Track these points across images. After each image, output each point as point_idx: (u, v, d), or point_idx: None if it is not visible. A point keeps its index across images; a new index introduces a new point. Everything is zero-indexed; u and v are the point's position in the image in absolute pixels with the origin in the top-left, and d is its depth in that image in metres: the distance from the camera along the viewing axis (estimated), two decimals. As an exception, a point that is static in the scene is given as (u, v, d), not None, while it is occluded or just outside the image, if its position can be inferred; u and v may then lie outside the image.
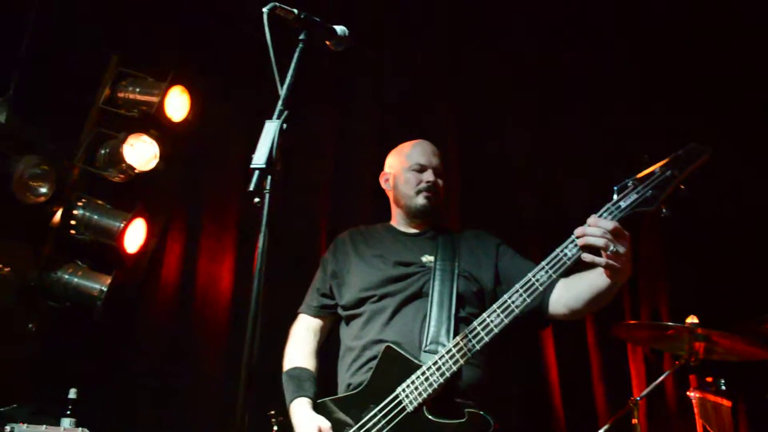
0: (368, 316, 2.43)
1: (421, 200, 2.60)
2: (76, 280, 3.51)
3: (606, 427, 3.04)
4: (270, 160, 1.45)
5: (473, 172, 4.19)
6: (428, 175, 2.61)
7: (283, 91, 1.62)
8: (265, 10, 1.74)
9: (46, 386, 3.31)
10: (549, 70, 4.40)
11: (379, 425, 2.19)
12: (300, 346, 2.58)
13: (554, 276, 2.06)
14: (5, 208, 3.25)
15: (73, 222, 3.57)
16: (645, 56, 4.33)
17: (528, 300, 2.09)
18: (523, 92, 4.41)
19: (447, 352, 2.16)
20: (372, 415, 2.22)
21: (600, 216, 1.98)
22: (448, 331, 2.28)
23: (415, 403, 2.15)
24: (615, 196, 2.00)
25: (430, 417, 2.14)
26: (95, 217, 3.59)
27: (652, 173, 1.99)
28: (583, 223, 1.96)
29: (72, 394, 3.02)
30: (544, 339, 3.84)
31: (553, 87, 4.40)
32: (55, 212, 3.51)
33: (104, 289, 3.46)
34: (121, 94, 3.77)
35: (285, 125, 1.52)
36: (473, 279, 2.46)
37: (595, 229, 1.92)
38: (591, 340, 3.89)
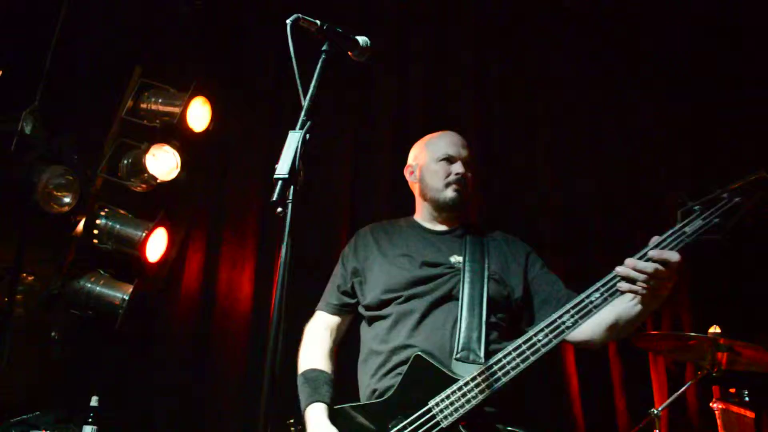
0: (395, 319, 2.29)
1: (450, 193, 2.45)
2: (98, 288, 3.55)
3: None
4: (293, 170, 1.46)
5: (495, 187, 4.16)
6: (458, 167, 2.47)
7: (306, 102, 1.63)
8: (288, 21, 1.76)
9: (68, 394, 3.34)
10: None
11: None
12: (317, 347, 2.43)
13: (580, 322, 2.02)
14: (30, 218, 3.30)
15: (95, 231, 3.62)
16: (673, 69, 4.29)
17: (554, 341, 2.04)
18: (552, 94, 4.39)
19: (488, 369, 2.05)
20: (401, 426, 2.09)
21: (664, 241, 1.90)
22: (479, 337, 2.17)
23: (451, 419, 2.04)
24: (678, 221, 1.90)
25: None
26: (117, 226, 3.64)
27: (720, 199, 1.88)
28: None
29: (94, 401, 3.05)
30: (564, 349, 3.81)
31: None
32: (78, 222, 3.55)
33: (126, 297, 3.49)
34: (143, 105, 3.83)
35: (308, 135, 1.53)
36: (503, 282, 2.34)
37: (637, 274, 1.87)
38: (612, 350, 3.85)
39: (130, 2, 3.76)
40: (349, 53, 1.91)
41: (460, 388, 2.06)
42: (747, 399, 3.38)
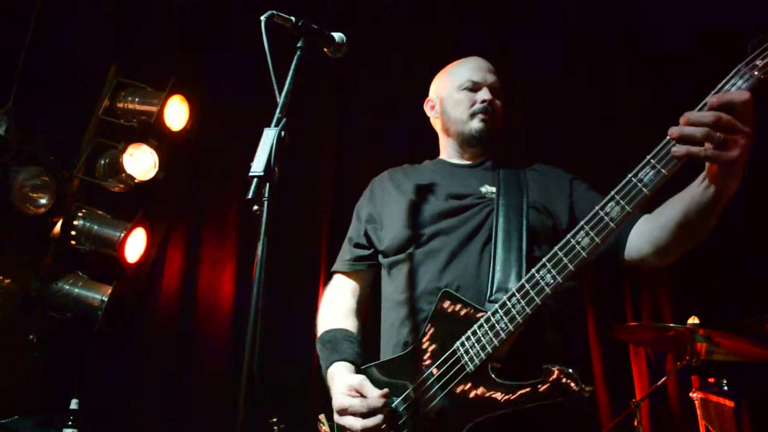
0: (419, 261, 1.97)
1: (476, 124, 2.15)
2: (76, 290, 3.52)
3: (609, 429, 3.04)
4: (268, 167, 1.45)
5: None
6: (484, 94, 2.16)
7: (281, 99, 1.62)
8: (262, 18, 1.75)
9: (48, 397, 3.31)
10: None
11: (433, 390, 1.75)
12: (335, 307, 2.14)
13: (628, 208, 1.56)
14: (6, 220, 3.26)
15: (73, 232, 3.59)
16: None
17: (597, 240, 1.59)
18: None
19: (519, 290, 1.68)
20: (425, 377, 1.77)
21: (729, 81, 1.46)
22: (519, 275, 1.81)
23: (477, 361, 1.69)
24: (750, 54, 1.46)
25: (496, 378, 1.66)
26: (95, 227, 3.61)
27: None
28: None
29: (73, 404, 3.02)
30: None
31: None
32: (55, 223, 3.52)
33: (105, 299, 3.47)
34: (120, 104, 3.80)
35: (283, 133, 1.52)
36: (546, 211, 2.00)
37: (695, 129, 1.42)
38: (593, 342, 3.88)
39: (105, 0, 3.73)
40: (325, 49, 1.89)
41: (487, 320, 1.71)
42: (726, 388, 3.42)
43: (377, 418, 1.75)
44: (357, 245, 2.20)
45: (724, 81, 1.47)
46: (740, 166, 1.47)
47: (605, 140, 4.08)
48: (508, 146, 4.11)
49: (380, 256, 2.13)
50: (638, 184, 1.54)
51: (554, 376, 1.59)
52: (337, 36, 1.89)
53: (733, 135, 1.41)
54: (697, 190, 1.57)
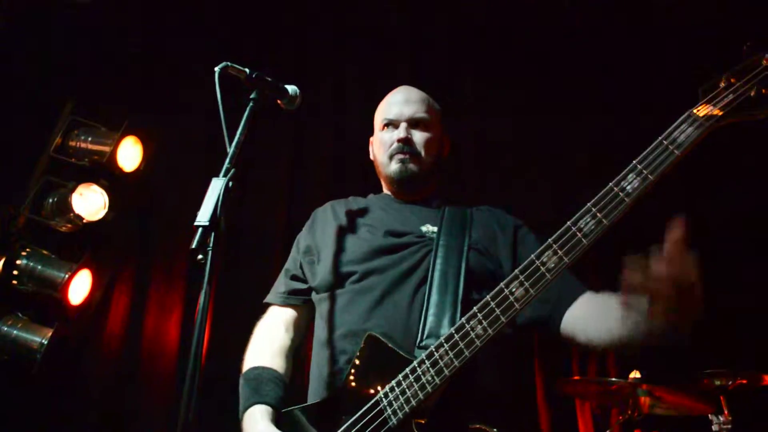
0: (349, 299, 1.87)
1: (394, 166, 2.06)
2: (15, 332, 3.39)
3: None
4: (214, 217, 1.46)
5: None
6: (399, 132, 2.06)
7: (231, 149, 1.64)
8: (216, 69, 1.78)
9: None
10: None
11: None
12: (264, 343, 2.00)
13: (565, 259, 1.50)
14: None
15: (15, 272, 3.48)
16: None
17: (532, 292, 1.52)
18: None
19: (448, 341, 1.58)
20: (346, 427, 1.66)
21: (679, 127, 1.44)
22: (452, 320, 1.70)
23: (400, 414, 1.59)
24: (700, 99, 1.47)
25: None
26: (39, 267, 3.51)
27: (754, 65, 1.42)
28: None
29: (7, 452, 2.90)
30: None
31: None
32: (-4, 261, 3.42)
33: (44, 342, 3.35)
34: (72, 143, 3.74)
35: (231, 183, 1.53)
36: (488, 254, 1.91)
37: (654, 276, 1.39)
38: (540, 397, 3.91)
39: (63, 38, 3.71)
40: (278, 101, 1.93)
41: (413, 371, 1.60)
42: (668, 443, 3.48)
43: None
44: (293, 277, 2.09)
45: (673, 126, 1.47)
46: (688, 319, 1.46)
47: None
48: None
49: (313, 293, 2.04)
50: (577, 233, 1.49)
51: None
52: (291, 89, 1.93)
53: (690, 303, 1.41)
54: (641, 322, 1.50)
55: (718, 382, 3.32)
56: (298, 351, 2.08)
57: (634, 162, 1.48)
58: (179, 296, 3.85)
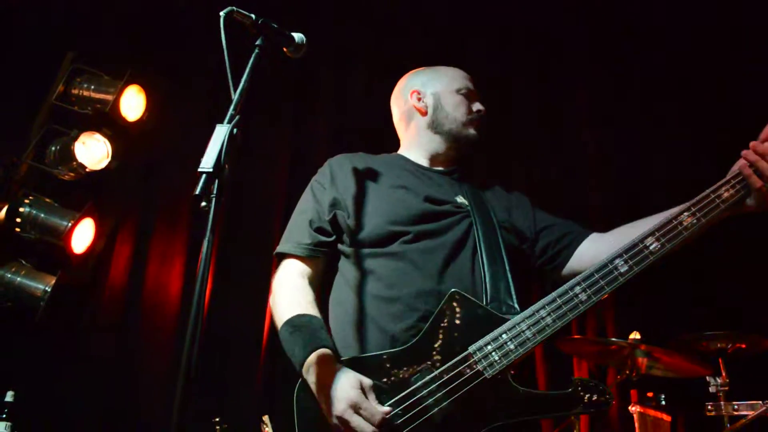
0: (415, 259, 1.89)
1: (473, 131, 2.16)
2: (18, 279, 3.42)
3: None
4: (218, 164, 1.44)
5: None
6: (480, 105, 2.20)
7: (235, 96, 1.61)
8: (222, 13, 1.74)
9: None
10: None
11: (439, 394, 1.68)
12: (297, 294, 1.94)
13: (703, 221, 1.75)
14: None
15: (18, 219, 3.48)
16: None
17: (669, 246, 1.74)
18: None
19: (550, 304, 1.72)
20: (428, 380, 1.70)
21: None
22: (507, 288, 1.86)
23: (498, 367, 1.67)
24: None
25: (519, 387, 1.67)
26: (42, 215, 3.51)
27: None
28: None
29: (9, 397, 2.93)
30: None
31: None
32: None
33: (48, 289, 3.38)
34: (75, 91, 3.70)
35: (236, 130, 1.51)
36: (513, 231, 2.06)
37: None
38: (538, 354, 3.94)
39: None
40: (284, 49, 1.89)
41: (511, 328, 1.71)
42: (664, 403, 3.52)
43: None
44: (319, 230, 2.02)
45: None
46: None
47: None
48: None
49: (346, 245, 2.00)
50: (678, 226, 1.75)
51: (583, 387, 1.68)
52: (297, 36, 1.89)
53: None
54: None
55: (717, 345, 3.33)
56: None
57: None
58: (182, 246, 3.85)
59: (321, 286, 2.04)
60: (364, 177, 2.06)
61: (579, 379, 1.69)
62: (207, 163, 1.44)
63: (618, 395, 3.79)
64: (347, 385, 1.66)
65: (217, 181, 1.43)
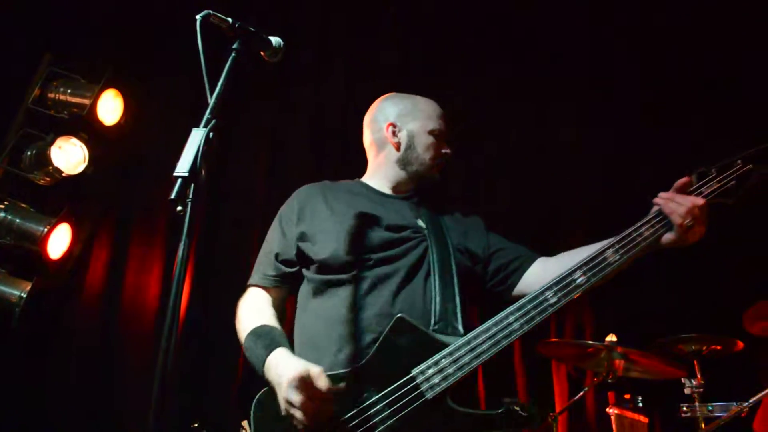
0: (372, 283, 2.02)
1: (436, 174, 2.31)
2: (-7, 285, 3.37)
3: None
4: (194, 168, 1.44)
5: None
6: (447, 148, 2.33)
7: (211, 100, 1.61)
8: (198, 17, 1.73)
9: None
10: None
11: (385, 413, 1.81)
12: (261, 313, 2.11)
13: (625, 257, 1.87)
14: None
15: (-7, 225, 3.44)
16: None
17: (593, 280, 1.87)
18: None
19: (486, 332, 1.84)
20: (375, 399, 1.83)
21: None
22: (455, 310, 1.99)
23: (437, 389, 1.80)
24: (695, 181, 1.91)
25: (455, 407, 1.80)
26: (17, 220, 3.46)
27: (733, 164, 1.88)
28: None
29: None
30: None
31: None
32: (-27, 214, 3.37)
33: (23, 295, 3.33)
34: (51, 95, 3.66)
35: (211, 134, 1.51)
36: (467, 253, 2.18)
37: (684, 199, 1.85)
38: (517, 356, 3.97)
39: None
40: (261, 53, 1.89)
41: (451, 353, 1.83)
42: (641, 405, 3.56)
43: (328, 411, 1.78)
44: (285, 262, 2.17)
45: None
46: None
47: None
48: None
49: (309, 271, 2.14)
50: (603, 262, 1.88)
51: (509, 408, 1.79)
52: (275, 40, 1.89)
53: (702, 219, 1.85)
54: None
55: (692, 347, 3.38)
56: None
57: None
58: (160, 251, 3.83)
59: (284, 311, 2.22)
60: (328, 208, 2.18)
61: (509, 399, 1.81)
62: (183, 167, 1.44)
63: (596, 397, 3.83)
64: (297, 366, 1.79)
65: (193, 185, 1.43)
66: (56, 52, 3.69)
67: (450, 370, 1.81)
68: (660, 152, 4.20)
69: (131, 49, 3.99)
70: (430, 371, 1.82)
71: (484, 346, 1.82)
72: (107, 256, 3.79)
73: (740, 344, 3.39)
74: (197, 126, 1.57)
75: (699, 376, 3.31)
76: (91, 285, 3.71)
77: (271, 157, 4.17)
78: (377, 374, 1.85)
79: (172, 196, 1.42)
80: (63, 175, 3.56)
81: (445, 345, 1.85)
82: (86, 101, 3.59)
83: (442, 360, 1.82)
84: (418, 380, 1.82)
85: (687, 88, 4.37)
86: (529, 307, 1.86)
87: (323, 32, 4.46)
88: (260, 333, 2.01)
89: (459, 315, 1.98)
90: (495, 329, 1.84)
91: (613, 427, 3.38)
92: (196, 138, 1.49)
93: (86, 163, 3.60)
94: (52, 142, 3.49)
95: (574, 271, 1.88)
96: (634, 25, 4.51)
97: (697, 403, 3.20)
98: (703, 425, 3.15)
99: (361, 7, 4.48)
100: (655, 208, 1.92)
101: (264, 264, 2.22)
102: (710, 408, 3.16)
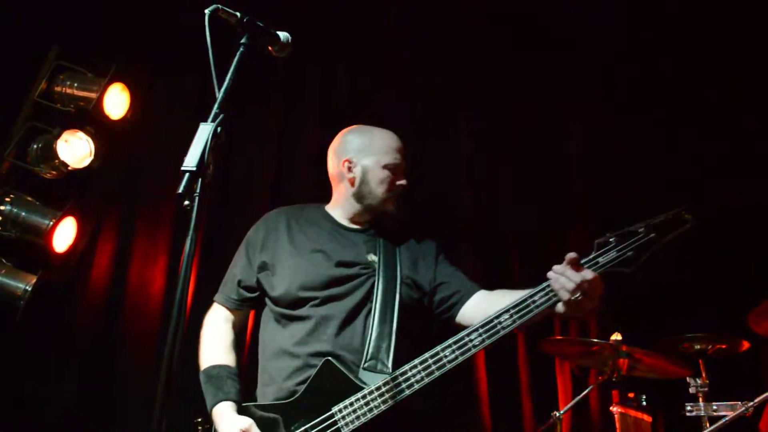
0: (316, 322, 2.22)
1: (391, 206, 2.39)
2: (-2, 278, 3.37)
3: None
4: (202, 163, 1.44)
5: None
6: (403, 179, 2.41)
7: (219, 94, 1.61)
8: (207, 11, 1.73)
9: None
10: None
11: None
12: (217, 341, 2.35)
13: (518, 322, 1.99)
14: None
15: (-1, 218, 3.44)
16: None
17: (488, 341, 2.02)
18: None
19: (393, 380, 2.06)
20: (302, 430, 2.10)
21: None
22: (388, 347, 2.17)
23: (351, 426, 2.06)
24: (594, 251, 1.94)
25: None
26: (23, 213, 3.47)
27: (635, 233, 1.92)
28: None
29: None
30: (475, 355, 3.91)
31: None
32: (-21, 207, 3.38)
33: (28, 288, 3.33)
34: (57, 88, 3.66)
35: (219, 129, 1.50)
36: (415, 287, 2.33)
37: (574, 275, 1.89)
38: (521, 354, 3.97)
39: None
40: (269, 48, 1.89)
41: (363, 397, 2.07)
42: (645, 404, 3.55)
43: None
44: (247, 288, 2.38)
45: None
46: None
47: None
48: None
49: (268, 300, 2.35)
50: (497, 325, 2.01)
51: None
52: (283, 35, 1.89)
53: (593, 292, 1.91)
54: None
55: (697, 347, 3.37)
56: (239, 338, 2.45)
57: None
58: (165, 245, 3.84)
59: (245, 326, 2.53)
60: (289, 241, 2.36)
61: None
62: (190, 161, 1.44)
63: (600, 396, 3.82)
64: (231, 428, 2.12)
65: (200, 179, 1.43)
66: (63, 46, 3.69)
67: (361, 411, 2.05)
68: (660, 152, 4.20)
69: (138, 43, 3.99)
70: (346, 410, 2.07)
71: (388, 395, 2.04)
72: (112, 249, 3.80)
73: (746, 344, 3.37)
74: (204, 120, 1.56)
75: (704, 375, 3.29)
76: (96, 278, 3.72)
77: (278, 153, 4.16)
78: (306, 408, 2.12)
79: (180, 190, 1.42)
80: (69, 168, 3.56)
81: (361, 388, 2.08)
82: (93, 95, 3.59)
83: (358, 401, 2.06)
84: (335, 417, 2.08)
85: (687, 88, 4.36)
86: (430, 362, 2.03)
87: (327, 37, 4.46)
88: (211, 375, 2.26)
89: (391, 353, 2.15)
90: (400, 379, 2.04)
91: (617, 425, 3.37)
92: (204, 132, 1.49)
93: (92, 157, 3.60)
94: (58, 136, 3.50)
95: (471, 333, 2.02)
96: (633, 25, 4.49)
97: (701, 403, 3.18)
98: (707, 424, 3.13)
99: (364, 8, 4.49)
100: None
101: (228, 286, 2.43)
102: (715, 407, 3.14)
